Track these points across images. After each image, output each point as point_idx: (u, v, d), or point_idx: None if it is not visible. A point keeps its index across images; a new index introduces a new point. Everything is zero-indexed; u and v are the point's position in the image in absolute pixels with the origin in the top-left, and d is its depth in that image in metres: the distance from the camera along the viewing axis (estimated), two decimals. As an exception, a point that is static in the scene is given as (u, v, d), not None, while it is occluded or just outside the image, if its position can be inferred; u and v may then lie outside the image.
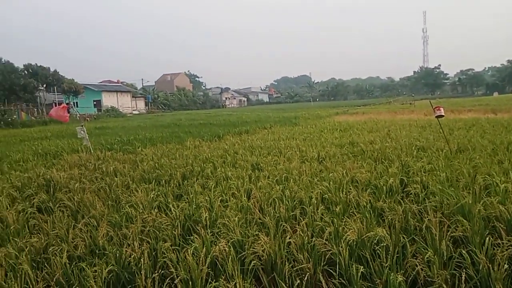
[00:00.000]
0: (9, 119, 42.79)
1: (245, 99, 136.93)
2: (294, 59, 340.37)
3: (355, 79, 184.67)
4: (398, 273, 3.67)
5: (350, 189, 6.48)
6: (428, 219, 4.71)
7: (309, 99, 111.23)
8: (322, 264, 4.04)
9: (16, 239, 5.15)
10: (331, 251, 4.13)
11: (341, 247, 4.09)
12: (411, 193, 6.21)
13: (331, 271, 3.96)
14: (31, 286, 3.96)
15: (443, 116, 10.40)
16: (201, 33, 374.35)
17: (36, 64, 57.42)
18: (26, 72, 55.78)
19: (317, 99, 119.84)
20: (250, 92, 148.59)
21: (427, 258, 3.87)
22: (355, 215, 5.16)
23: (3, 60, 52.57)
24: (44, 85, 59.06)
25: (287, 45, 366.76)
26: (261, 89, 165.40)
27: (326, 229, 4.58)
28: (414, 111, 31.76)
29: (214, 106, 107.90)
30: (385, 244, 4.14)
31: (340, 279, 3.84)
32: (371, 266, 3.92)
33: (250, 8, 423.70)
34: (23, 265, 4.24)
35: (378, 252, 4.08)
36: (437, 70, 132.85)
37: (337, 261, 3.98)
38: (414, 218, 5.05)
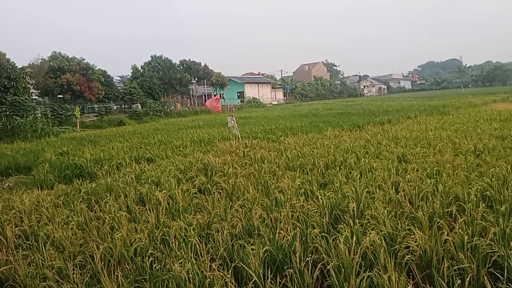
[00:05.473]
0: (168, 110, 49.08)
1: (385, 87, 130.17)
2: (441, 41, 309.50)
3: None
4: None
5: (518, 187, 5.76)
6: None
7: (459, 86, 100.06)
8: (486, 266, 3.72)
9: (185, 215, 5.94)
10: (497, 253, 3.77)
11: (510, 249, 3.71)
12: None
13: (498, 275, 3.62)
14: (200, 257, 4.52)
15: None
16: (339, 19, 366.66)
17: (189, 59, 63.72)
18: (181, 67, 62.39)
19: (469, 85, 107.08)
20: (391, 79, 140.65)
21: None
22: (526, 217, 4.60)
23: (163, 57, 59.61)
24: (196, 79, 65.46)
25: (433, 24, 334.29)
26: (403, 76, 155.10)
27: (490, 229, 4.18)
28: None
29: (352, 95, 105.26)
30: None
31: (509, 284, 3.49)
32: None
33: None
34: (192, 238, 4.87)
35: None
36: None
37: (505, 265, 3.62)
38: None
